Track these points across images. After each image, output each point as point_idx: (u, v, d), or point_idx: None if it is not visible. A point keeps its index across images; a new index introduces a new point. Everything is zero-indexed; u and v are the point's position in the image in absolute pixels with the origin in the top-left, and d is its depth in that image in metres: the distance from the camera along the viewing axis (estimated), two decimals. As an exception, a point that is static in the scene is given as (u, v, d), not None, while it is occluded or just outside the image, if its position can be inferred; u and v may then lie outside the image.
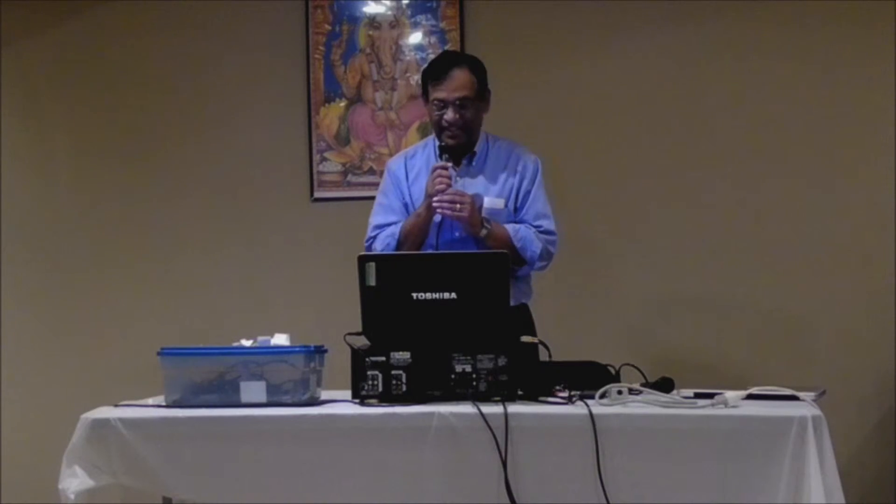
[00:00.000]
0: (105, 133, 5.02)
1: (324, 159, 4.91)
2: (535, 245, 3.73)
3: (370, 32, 4.89)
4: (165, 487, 3.02)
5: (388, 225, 3.83)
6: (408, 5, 4.88)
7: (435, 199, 3.62)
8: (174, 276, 4.97)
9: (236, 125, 4.96)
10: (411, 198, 3.85)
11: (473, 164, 3.81)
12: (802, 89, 4.69)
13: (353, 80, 4.90)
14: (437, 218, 3.71)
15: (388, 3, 4.90)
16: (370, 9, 4.90)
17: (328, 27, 4.90)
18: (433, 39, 4.86)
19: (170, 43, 4.98)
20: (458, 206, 3.62)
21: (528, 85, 4.82)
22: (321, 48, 4.90)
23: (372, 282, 3.04)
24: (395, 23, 4.88)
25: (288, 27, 4.91)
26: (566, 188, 4.78)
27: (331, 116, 4.91)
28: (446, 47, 4.81)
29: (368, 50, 4.89)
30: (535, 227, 3.78)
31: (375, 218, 3.88)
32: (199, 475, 2.98)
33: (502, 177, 3.82)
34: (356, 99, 4.90)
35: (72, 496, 2.92)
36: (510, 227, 3.73)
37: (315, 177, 4.90)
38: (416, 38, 4.87)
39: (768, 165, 4.71)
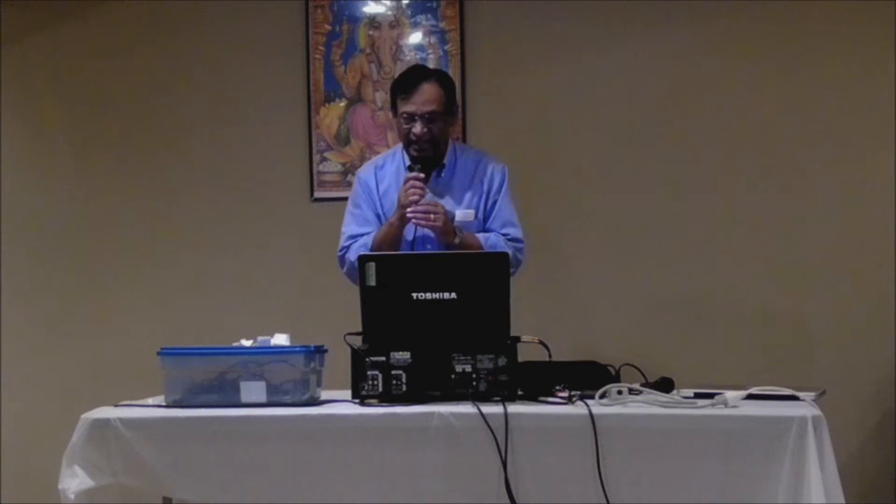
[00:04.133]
0: (105, 133, 5.02)
1: (324, 159, 4.91)
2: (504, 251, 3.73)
3: (370, 32, 4.89)
4: (165, 487, 3.02)
5: (361, 235, 3.85)
6: (408, 5, 4.88)
7: (409, 210, 3.64)
8: (174, 276, 4.97)
9: (236, 125, 4.96)
10: (382, 208, 3.88)
11: (442, 176, 3.85)
12: (802, 89, 4.69)
13: (353, 80, 4.90)
14: (410, 236, 3.75)
15: (388, 3, 4.90)
16: (370, 9, 4.90)
17: (328, 27, 4.90)
18: (433, 39, 4.86)
19: (170, 43, 4.98)
20: (431, 216, 3.65)
21: (528, 85, 4.82)
22: (321, 48, 4.90)
23: (372, 282, 3.05)
24: (395, 23, 4.88)
25: (288, 27, 4.91)
26: (565, 187, 4.80)
27: (331, 116, 4.91)
28: (446, 47, 4.82)
29: (368, 50, 4.89)
30: (503, 234, 3.82)
31: (348, 228, 3.91)
32: (199, 475, 2.98)
33: (470, 188, 3.86)
34: (356, 99, 4.90)
35: (72, 496, 2.93)
36: (480, 236, 3.78)
37: (315, 177, 4.91)
38: (416, 38, 4.87)
39: (768, 165, 4.71)
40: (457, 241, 3.71)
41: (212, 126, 4.97)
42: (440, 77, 3.88)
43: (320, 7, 4.90)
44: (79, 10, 5.00)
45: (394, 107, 3.86)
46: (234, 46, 4.95)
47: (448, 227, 3.70)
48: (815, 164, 4.69)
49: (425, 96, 3.75)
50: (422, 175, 3.72)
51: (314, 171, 4.90)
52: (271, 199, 4.94)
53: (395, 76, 4.06)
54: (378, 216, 3.89)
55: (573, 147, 4.80)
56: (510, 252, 3.75)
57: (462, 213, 3.80)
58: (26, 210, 5.03)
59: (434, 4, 4.85)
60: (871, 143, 4.66)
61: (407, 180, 3.72)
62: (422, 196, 3.67)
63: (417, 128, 3.75)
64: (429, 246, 3.78)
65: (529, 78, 4.82)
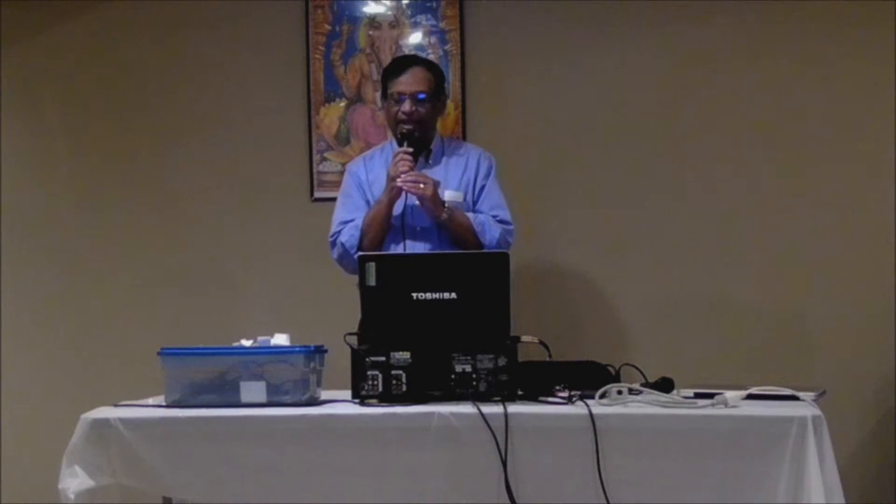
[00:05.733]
0: (105, 133, 5.02)
1: (324, 159, 4.91)
2: (493, 230, 3.86)
3: (370, 32, 4.89)
4: (165, 487, 3.02)
5: (353, 221, 3.93)
6: (408, 5, 4.88)
7: (399, 178, 3.74)
8: (174, 276, 4.97)
9: (236, 125, 4.95)
10: (372, 196, 3.96)
11: (430, 161, 3.97)
12: (802, 89, 4.69)
13: (353, 80, 4.90)
14: (399, 208, 3.83)
15: (388, 3, 4.89)
16: (370, 9, 4.90)
17: (328, 27, 4.90)
18: (433, 39, 4.86)
19: (170, 43, 4.98)
20: (421, 184, 3.76)
21: (528, 85, 4.82)
22: (321, 48, 4.90)
23: (372, 282, 3.05)
24: (395, 23, 4.88)
25: (288, 27, 4.91)
26: (565, 187, 4.80)
27: (331, 116, 4.91)
28: (446, 47, 4.82)
29: (368, 50, 4.89)
30: (492, 216, 3.91)
31: (339, 214, 4.00)
32: (199, 475, 2.98)
33: (458, 173, 3.97)
34: (356, 99, 4.90)
35: (72, 496, 2.92)
36: (470, 215, 3.88)
37: (315, 177, 4.91)
38: (416, 38, 4.87)
39: (768, 165, 4.71)
40: (445, 216, 3.80)
41: (212, 126, 4.97)
42: (429, 64, 4.07)
43: (320, 7, 4.90)
44: (79, 10, 5.00)
45: (384, 93, 4.00)
46: (234, 46, 4.95)
47: (437, 197, 3.79)
48: (814, 164, 4.69)
49: (415, 77, 3.92)
50: (410, 149, 3.82)
51: (314, 171, 4.90)
52: (271, 199, 4.94)
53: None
54: (368, 202, 3.97)
55: (573, 147, 4.80)
56: (500, 231, 3.88)
57: (451, 195, 3.89)
58: (26, 210, 5.03)
59: (434, 4, 4.85)
60: (871, 143, 4.66)
61: (396, 155, 3.82)
62: (411, 168, 3.78)
63: (406, 106, 3.89)
64: (419, 227, 3.85)
65: (529, 78, 4.82)
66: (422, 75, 3.93)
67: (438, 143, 4.02)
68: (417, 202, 3.82)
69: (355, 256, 3.77)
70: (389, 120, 4.00)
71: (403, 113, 3.89)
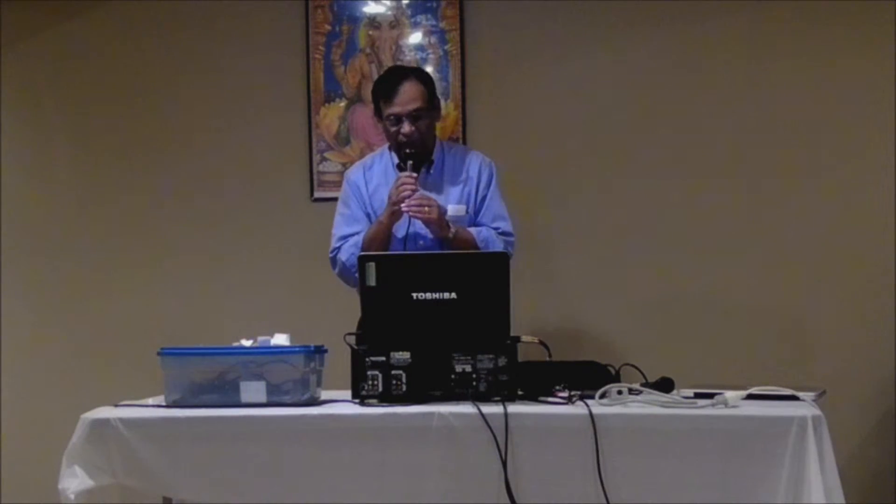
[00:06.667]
0: (105, 133, 5.02)
1: (324, 159, 4.91)
2: (496, 245, 3.83)
3: (370, 32, 4.90)
4: (165, 487, 3.02)
5: (352, 235, 3.89)
6: (408, 5, 4.88)
7: (403, 203, 3.69)
8: (174, 276, 4.97)
9: (236, 125, 4.96)
10: (372, 207, 3.93)
11: (431, 172, 3.92)
12: (802, 89, 4.69)
13: (353, 80, 4.90)
14: (401, 233, 3.79)
15: (388, 3, 4.90)
16: (370, 9, 4.90)
17: (328, 27, 4.90)
18: (433, 39, 4.86)
19: (170, 43, 4.98)
20: (426, 208, 3.71)
21: (528, 85, 4.83)
22: (321, 48, 4.90)
23: (372, 282, 3.05)
24: (395, 23, 4.89)
25: (288, 27, 4.91)
26: (565, 187, 4.80)
27: (331, 116, 4.91)
28: (446, 47, 4.82)
29: (368, 50, 4.90)
30: (494, 228, 3.89)
31: (339, 229, 3.95)
32: (199, 475, 2.98)
33: (459, 186, 3.92)
34: (356, 99, 4.90)
35: (72, 496, 2.92)
36: (473, 230, 3.84)
37: (315, 177, 4.91)
38: (416, 38, 4.87)
39: (768, 165, 4.71)
40: (451, 234, 3.76)
41: (212, 126, 4.97)
42: (418, 74, 3.94)
43: (320, 7, 4.90)
44: (79, 10, 5.00)
45: (377, 110, 3.92)
46: (234, 46, 4.95)
47: (442, 219, 3.76)
48: (814, 164, 4.70)
49: (408, 95, 3.81)
50: (414, 175, 3.77)
51: (314, 171, 4.91)
52: (271, 199, 4.94)
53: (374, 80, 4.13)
54: (368, 215, 3.93)
55: (573, 147, 4.80)
56: (503, 245, 3.85)
57: (454, 209, 3.86)
58: (26, 210, 5.03)
59: (434, 4, 4.85)
60: (871, 142, 4.66)
61: (398, 179, 3.76)
62: (414, 191, 3.72)
63: (406, 127, 3.81)
64: (420, 242, 3.83)
65: (529, 78, 4.83)
66: (414, 91, 3.82)
67: (439, 152, 3.96)
68: (421, 226, 3.79)
69: (356, 274, 3.75)
70: (389, 138, 3.91)
71: (404, 135, 3.80)
